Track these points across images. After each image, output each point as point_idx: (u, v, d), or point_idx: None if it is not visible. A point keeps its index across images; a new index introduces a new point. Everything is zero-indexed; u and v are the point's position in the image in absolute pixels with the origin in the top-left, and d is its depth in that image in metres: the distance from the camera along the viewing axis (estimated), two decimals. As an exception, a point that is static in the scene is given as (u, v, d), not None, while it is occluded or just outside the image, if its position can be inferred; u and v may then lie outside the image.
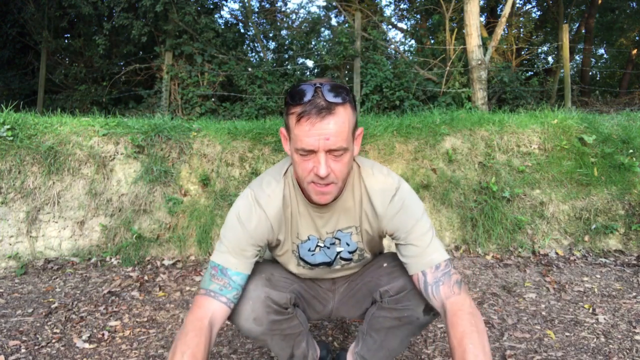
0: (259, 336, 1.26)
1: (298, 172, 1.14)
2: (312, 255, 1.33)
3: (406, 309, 1.28)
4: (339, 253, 1.34)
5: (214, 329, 1.13)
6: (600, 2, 10.04)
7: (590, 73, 10.69)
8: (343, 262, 1.38)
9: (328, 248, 1.32)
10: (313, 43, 7.78)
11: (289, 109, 1.09)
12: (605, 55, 14.40)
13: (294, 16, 9.04)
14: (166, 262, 2.78)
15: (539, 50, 10.60)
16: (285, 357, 1.38)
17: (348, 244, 1.32)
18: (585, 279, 2.56)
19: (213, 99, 6.35)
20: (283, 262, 1.38)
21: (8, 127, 2.84)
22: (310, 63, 8.29)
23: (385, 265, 1.39)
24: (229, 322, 2.05)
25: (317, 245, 1.31)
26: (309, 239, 1.30)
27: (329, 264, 1.36)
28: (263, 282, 1.27)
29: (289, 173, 1.26)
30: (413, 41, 8.66)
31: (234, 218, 1.22)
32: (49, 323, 2.04)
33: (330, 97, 1.05)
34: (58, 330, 1.97)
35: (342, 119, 1.06)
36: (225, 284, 1.17)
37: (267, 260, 1.49)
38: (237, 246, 1.20)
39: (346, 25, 7.51)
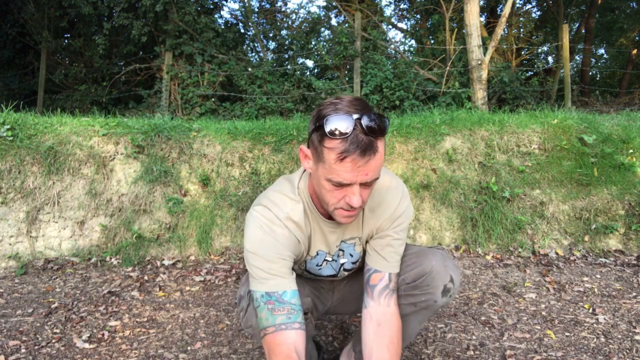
0: None
1: (325, 198, 1.09)
2: (320, 269, 1.34)
3: (425, 294, 1.29)
4: (342, 265, 1.35)
5: (301, 358, 1.10)
6: (600, 2, 10.04)
7: (590, 73, 10.69)
8: (346, 272, 1.39)
9: (335, 261, 1.33)
10: (313, 43, 7.78)
11: (324, 141, 1.00)
12: (605, 55, 14.41)
13: (294, 16, 9.05)
14: (166, 262, 2.78)
15: (539, 50, 10.60)
16: None
17: (352, 255, 1.33)
18: (585, 279, 2.56)
19: (213, 99, 6.35)
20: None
21: (8, 127, 2.84)
22: (310, 63, 8.30)
23: None
24: (228, 322, 2.06)
25: (325, 260, 1.31)
26: (317, 254, 1.29)
27: (334, 276, 1.38)
28: None
29: (302, 190, 1.22)
30: (413, 41, 8.66)
31: (259, 234, 1.15)
32: (49, 323, 2.04)
33: (371, 133, 0.98)
34: (58, 330, 1.97)
35: (381, 153, 1.01)
36: (289, 310, 1.12)
37: None
38: (278, 261, 1.14)
39: (346, 25, 7.51)
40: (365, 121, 0.98)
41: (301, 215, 1.20)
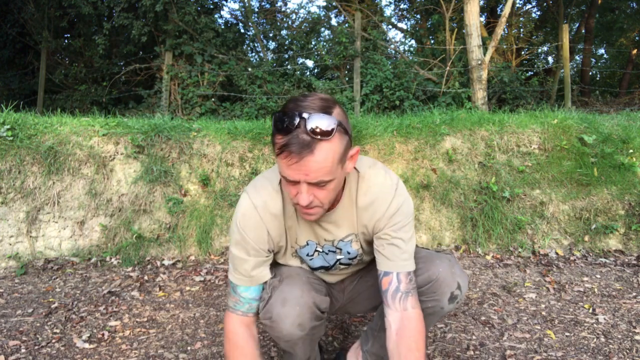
0: (295, 340, 1.24)
1: (286, 191, 1.14)
2: (311, 259, 1.33)
3: (431, 300, 1.29)
4: (338, 260, 1.35)
5: (250, 329, 1.28)
6: (600, 2, 10.04)
7: (590, 73, 10.69)
8: (342, 266, 1.39)
9: (327, 254, 1.32)
10: (313, 43, 7.78)
11: (273, 134, 1.04)
12: (605, 55, 14.42)
13: (294, 16, 9.05)
14: (166, 262, 2.78)
15: (539, 50, 10.61)
16: None
17: (349, 252, 1.32)
18: (585, 279, 2.56)
19: (213, 99, 6.35)
20: (283, 263, 1.38)
21: (8, 127, 2.84)
22: (310, 63, 8.30)
23: None
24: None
25: (316, 250, 1.31)
26: (307, 244, 1.29)
27: (327, 268, 1.37)
28: (309, 286, 1.25)
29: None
30: (413, 41, 8.67)
31: (235, 229, 1.23)
32: (49, 323, 2.04)
33: (314, 132, 0.98)
34: (58, 330, 1.97)
35: (324, 155, 1.01)
36: (236, 300, 1.27)
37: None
38: (242, 260, 1.24)
39: (346, 25, 7.51)
40: (310, 121, 0.99)
41: (278, 206, 1.22)
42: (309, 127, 0.98)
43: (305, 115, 0.99)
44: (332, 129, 1.00)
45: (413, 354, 1.16)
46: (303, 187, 1.05)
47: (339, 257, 1.33)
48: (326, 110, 1.02)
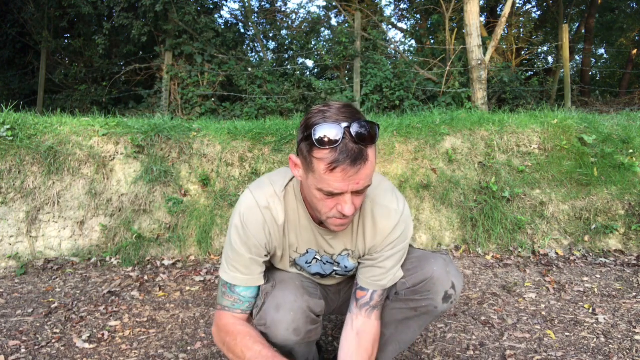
0: (292, 345, 1.24)
1: (317, 207, 1.09)
2: (309, 266, 1.34)
3: (425, 299, 1.29)
4: (335, 270, 1.35)
5: (248, 322, 1.26)
6: (600, 2, 10.04)
7: (590, 73, 10.68)
8: (338, 277, 1.41)
9: (325, 264, 1.33)
10: (313, 43, 7.78)
11: (313, 151, 0.98)
12: (605, 55, 14.41)
13: (294, 16, 9.06)
14: (166, 262, 2.78)
15: (539, 50, 10.61)
16: None
17: (347, 266, 1.33)
18: (585, 279, 2.56)
19: (213, 99, 6.35)
20: (281, 268, 1.38)
21: (8, 127, 2.84)
22: (310, 63, 8.30)
23: None
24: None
25: (315, 258, 1.31)
26: (307, 252, 1.29)
27: (322, 276, 1.38)
28: (302, 291, 1.25)
29: (291, 188, 1.22)
30: (413, 41, 8.67)
31: (237, 224, 1.19)
32: (49, 323, 2.04)
33: (361, 141, 0.95)
34: (58, 330, 1.97)
35: (372, 160, 0.99)
36: (235, 300, 1.24)
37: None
38: (242, 258, 1.20)
39: (346, 25, 7.51)
40: (354, 129, 0.95)
41: (282, 216, 1.21)
42: (355, 135, 0.95)
43: (345, 124, 0.96)
44: (376, 133, 0.99)
45: (368, 355, 1.26)
46: (347, 197, 1.02)
47: (335, 268, 1.34)
48: (359, 115, 1.00)
